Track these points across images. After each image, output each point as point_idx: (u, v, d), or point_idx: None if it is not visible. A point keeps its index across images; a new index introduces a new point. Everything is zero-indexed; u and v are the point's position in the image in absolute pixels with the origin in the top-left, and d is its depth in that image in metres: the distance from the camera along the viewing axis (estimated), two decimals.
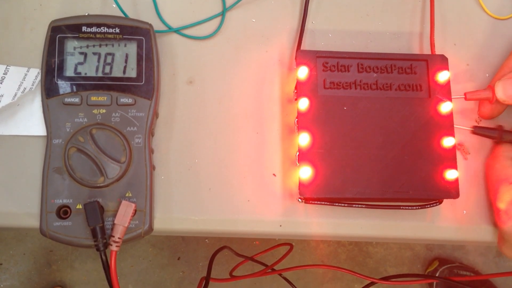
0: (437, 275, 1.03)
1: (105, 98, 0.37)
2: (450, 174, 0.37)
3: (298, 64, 0.38)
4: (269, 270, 0.44)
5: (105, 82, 0.37)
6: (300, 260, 1.10)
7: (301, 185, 0.36)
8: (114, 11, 0.41)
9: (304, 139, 0.37)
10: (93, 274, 1.08)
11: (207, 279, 0.39)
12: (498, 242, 0.39)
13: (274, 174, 0.39)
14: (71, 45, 0.37)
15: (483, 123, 0.41)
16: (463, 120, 0.41)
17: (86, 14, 0.41)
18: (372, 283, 0.43)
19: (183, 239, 1.11)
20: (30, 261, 1.09)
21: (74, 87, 0.37)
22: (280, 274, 0.48)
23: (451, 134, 0.38)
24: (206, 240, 1.11)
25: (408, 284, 0.40)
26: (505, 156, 0.39)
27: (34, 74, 0.39)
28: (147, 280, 1.10)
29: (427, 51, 0.43)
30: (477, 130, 0.40)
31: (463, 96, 0.40)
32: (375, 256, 1.13)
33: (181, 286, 1.10)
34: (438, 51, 0.42)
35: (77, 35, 0.37)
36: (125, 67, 0.37)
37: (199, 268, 1.11)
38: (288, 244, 0.46)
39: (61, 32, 0.37)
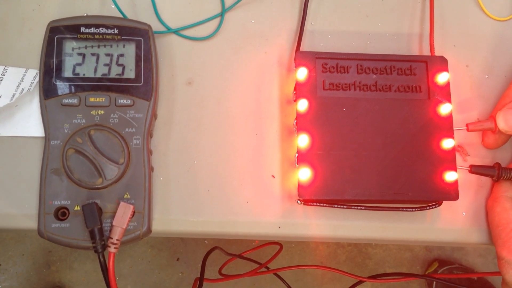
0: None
1: (104, 99, 0.36)
2: (450, 176, 0.37)
3: (297, 65, 0.38)
4: (263, 270, 0.44)
5: (103, 83, 0.37)
6: (300, 261, 1.10)
7: (300, 186, 0.36)
8: (112, 11, 0.41)
9: (303, 140, 0.37)
10: (92, 275, 1.08)
11: (200, 279, 0.39)
12: (502, 285, 0.38)
13: (273, 176, 0.39)
14: (70, 45, 0.37)
15: (481, 161, 0.40)
16: (463, 122, 0.41)
17: (85, 14, 0.40)
18: (360, 282, 0.43)
19: (182, 240, 1.11)
20: (29, 262, 1.08)
21: (72, 88, 0.36)
22: (275, 274, 0.48)
23: (451, 135, 0.38)
24: (205, 241, 1.11)
25: (397, 281, 0.40)
26: (505, 197, 0.37)
27: (32, 75, 0.38)
28: (146, 280, 1.10)
29: (426, 52, 0.42)
30: (475, 169, 0.38)
31: (465, 128, 0.39)
32: (374, 257, 1.13)
33: (180, 287, 1.10)
34: (437, 53, 0.42)
35: (76, 36, 0.37)
36: (123, 68, 0.37)
37: (198, 269, 1.11)
38: (277, 244, 0.46)
39: (59, 33, 0.37)
